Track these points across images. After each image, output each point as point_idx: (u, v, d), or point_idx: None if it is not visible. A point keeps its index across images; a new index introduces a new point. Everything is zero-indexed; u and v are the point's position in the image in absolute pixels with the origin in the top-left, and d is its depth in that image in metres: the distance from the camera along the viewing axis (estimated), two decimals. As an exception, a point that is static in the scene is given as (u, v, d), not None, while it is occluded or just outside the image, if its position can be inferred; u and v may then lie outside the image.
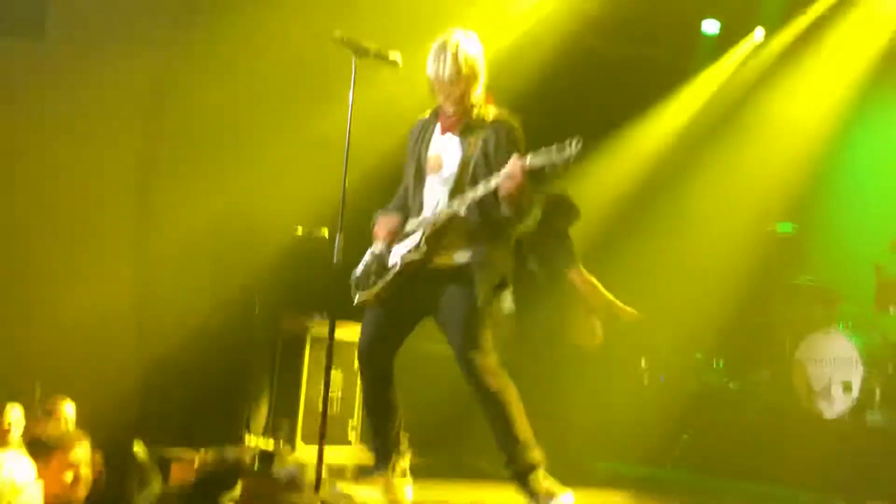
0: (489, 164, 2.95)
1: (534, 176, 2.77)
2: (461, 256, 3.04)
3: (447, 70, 3.00)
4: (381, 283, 3.12)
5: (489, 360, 3.04)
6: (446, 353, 3.18)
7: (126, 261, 5.09)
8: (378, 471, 3.29)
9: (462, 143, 3.03)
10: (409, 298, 3.14)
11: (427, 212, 3.11)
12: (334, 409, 5.42)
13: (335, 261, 3.14)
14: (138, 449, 2.90)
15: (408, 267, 3.05)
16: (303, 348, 5.36)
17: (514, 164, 2.77)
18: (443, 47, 3.03)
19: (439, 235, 3.02)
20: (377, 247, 3.21)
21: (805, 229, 6.09)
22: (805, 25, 6.49)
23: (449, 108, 3.09)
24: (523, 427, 3.01)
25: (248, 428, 5.15)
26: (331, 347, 3.25)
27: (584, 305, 4.58)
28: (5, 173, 4.61)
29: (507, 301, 3.26)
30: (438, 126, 3.14)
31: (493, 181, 2.86)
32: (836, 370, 5.18)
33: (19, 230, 4.67)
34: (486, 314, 3.04)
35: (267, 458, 3.43)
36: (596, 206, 5.85)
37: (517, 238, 3.21)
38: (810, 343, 5.37)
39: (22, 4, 4.75)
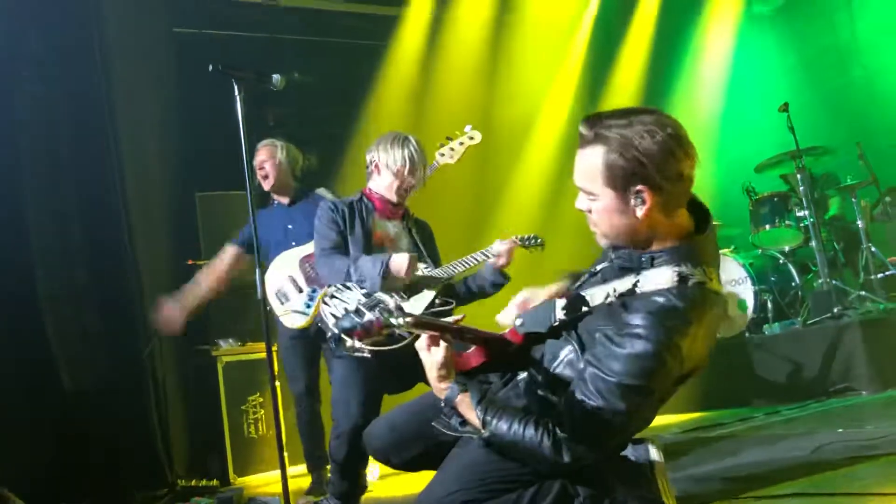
0: (428, 249, 3.54)
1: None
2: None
3: (423, 173, 3.44)
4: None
5: None
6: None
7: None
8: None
9: (404, 228, 3.53)
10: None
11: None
12: (261, 431, 5.21)
13: (259, 294, 3.13)
14: None
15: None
16: (216, 377, 5.10)
17: (510, 244, 3.33)
18: (419, 149, 3.41)
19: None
20: (386, 294, 3.22)
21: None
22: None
23: (396, 198, 3.45)
24: None
25: (171, 471, 4.84)
26: (272, 371, 3.09)
27: None
28: None
29: None
30: (374, 209, 3.48)
31: (491, 254, 3.37)
32: (730, 292, 5.50)
33: None
34: None
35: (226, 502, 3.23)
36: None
37: None
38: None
39: None
